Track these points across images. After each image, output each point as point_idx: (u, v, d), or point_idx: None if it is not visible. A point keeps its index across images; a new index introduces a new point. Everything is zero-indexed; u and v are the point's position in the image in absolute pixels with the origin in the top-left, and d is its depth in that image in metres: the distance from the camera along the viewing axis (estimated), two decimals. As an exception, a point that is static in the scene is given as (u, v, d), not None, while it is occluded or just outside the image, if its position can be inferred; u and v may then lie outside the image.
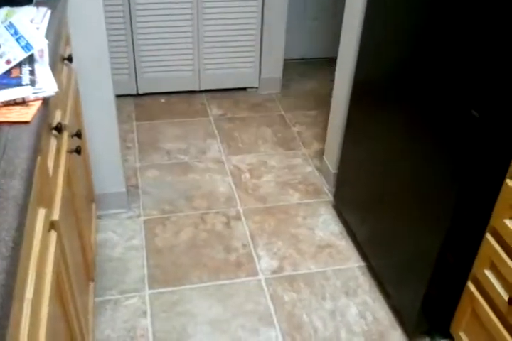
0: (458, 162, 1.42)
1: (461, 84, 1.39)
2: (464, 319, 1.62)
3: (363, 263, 2.11)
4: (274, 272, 2.06)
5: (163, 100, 3.27)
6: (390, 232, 1.86)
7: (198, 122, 3.06)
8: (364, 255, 2.11)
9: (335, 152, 2.40)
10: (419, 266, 1.67)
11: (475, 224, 1.50)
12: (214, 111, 3.18)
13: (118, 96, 2.20)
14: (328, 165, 2.51)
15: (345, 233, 2.26)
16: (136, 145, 2.83)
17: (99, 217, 2.26)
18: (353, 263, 2.12)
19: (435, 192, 1.56)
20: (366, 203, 2.04)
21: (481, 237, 1.49)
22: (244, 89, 3.39)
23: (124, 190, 2.30)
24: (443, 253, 1.57)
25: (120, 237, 2.20)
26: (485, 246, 1.47)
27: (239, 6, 3.06)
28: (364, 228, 2.08)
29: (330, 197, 2.47)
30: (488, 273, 1.47)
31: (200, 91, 3.34)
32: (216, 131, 2.97)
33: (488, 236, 1.45)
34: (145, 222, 2.29)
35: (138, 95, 3.28)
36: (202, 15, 3.04)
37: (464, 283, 1.60)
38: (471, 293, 1.55)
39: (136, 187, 2.50)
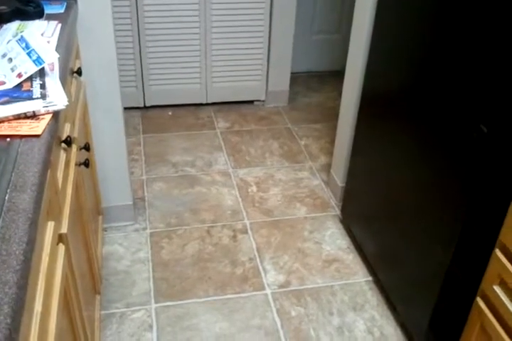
0: (467, 177, 1.42)
1: (469, 98, 1.39)
2: (472, 335, 1.60)
3: (370, 278, 2.10)
4: (280, 286, 2.05)
5: (170, 113, 3.28)
6: (397, 247, 1.85)
7: (205, 135, 3.07)
8: (372, 269, 2.10)
9: (342, 165, 2.40)
10: (428, 281, 1.66)
11: (484, 239, 1.49)
12: (221, 124, 3.19)
13: (125, 108, 2.21)
14: (336, 179, 2.51)
15: (352, 247, 2.25)
16: (143, 157, 2.83)
17: (105, 230, 2.26)
18: (360, 277, 2.10)
19: (444, 206, 1.55)
20: (374, 217, 2.03)
21: (489, 253, 1.48)
22: (251, 102, 3.40)
23: (130, 202, 2.30)
24: (451, 269, 1.56)
25: (126, 250, 2.19)
26: (494, 261, 1.46)
27: (247, 20, 3.08)
28: (372, 242, 2.07)
29: (337, 211, 2.46)
30: (497, 288, 1.45)
31: (207, 104, 3.35)
32: (223, 144, 2.98)
33: (497, 252, 1.44)
34: (151, 234, 2.29)
35: (145, 107, 3.29)
36: (210, 29, 3.06)
37: (473, 298, 1.58)
38: (480, 308, 1.54)
39: (143, 199, 2.50)
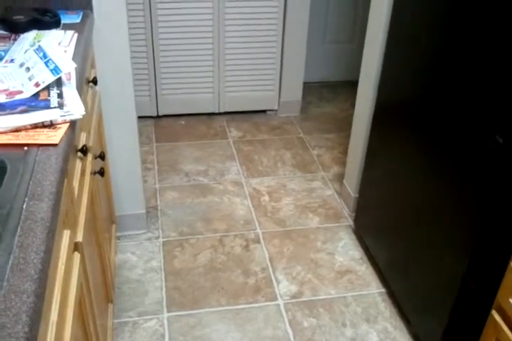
0: (482, 188, 1.41)
1: (485, 108, 1.38)
2: (488, 348, 1.58)
3: (383, 289, 2.08)
4: (293, 297, 2.04)
5: (183, 122, 3.29)
6: (411, 258, 1.84)
7: (218, 144, 3.07)
8: (385, 281, 2.08)
9: (355, 176, 2.39)
10: (442, 293, 1.65)
11: (499, 251, 1.47)
12: (233, 133, 3.19)
13: (138, 117, 2.22)
14: (349, 189, 2.50)
15: (365, 258, 2.24)
16: (156, 166, 2.84)
17: (118, 238, 2.27)
18: (373, 289, 2.09)
19: (458, 218, 1.54)
20: (387, 228, 2.02)
21: (505, 265, 1.46)
22: (263, 111, 3.41)
23: (143, 211, 2.31)
24: (466, 281, 1.55)
25: (139, 259, 2.20)
26: (510, 274, 1.44)
27: (260, 30, 3.09)
28: (385, 253, 2.06)
29: (350, 222, 2.45)
30: (513, 301, 1.44)
31: (220, 114, 3.36)
32: (235, 153, 2.98)
33: (514, 264, 1.43)
34: (164, 243, 2.29)
35: (158, 117, 3.30)
36: (223, 39, 3.08)
37: (488, 311, 1.56)
38: (496, 321, 1.52)
39: (156, 208, 2.51)
